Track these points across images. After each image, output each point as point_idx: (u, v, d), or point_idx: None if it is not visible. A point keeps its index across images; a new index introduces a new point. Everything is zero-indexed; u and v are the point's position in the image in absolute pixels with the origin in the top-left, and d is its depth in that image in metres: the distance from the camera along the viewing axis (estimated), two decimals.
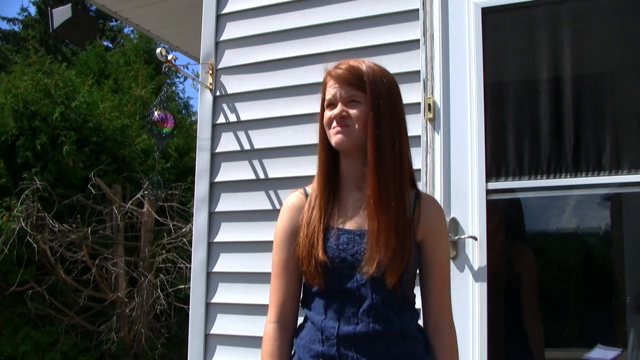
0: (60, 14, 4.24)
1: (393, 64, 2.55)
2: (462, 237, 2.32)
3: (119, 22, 11.39)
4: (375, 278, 1.36)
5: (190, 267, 2.96)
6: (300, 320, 1.50)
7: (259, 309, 2.72)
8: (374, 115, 1.40)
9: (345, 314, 1.38)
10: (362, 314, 1.36)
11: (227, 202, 2.89)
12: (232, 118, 2.92)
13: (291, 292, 1.48)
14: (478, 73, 2.38)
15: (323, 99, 1.48)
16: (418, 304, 1.49)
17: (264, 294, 2.74)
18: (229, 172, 2.91)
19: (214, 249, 2.88)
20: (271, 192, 2.80)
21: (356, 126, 1.41)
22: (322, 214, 1.43)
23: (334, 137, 1.43)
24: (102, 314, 5.73)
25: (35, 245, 5.23)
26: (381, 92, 1.41)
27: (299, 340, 1.45)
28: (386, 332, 1.36)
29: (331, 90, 1.45)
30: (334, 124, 1.43)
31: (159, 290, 5.55)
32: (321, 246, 1.39)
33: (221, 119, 2.94)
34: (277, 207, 2.77)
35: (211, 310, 2.84)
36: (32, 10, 14.11)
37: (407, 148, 1.46)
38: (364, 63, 1.45)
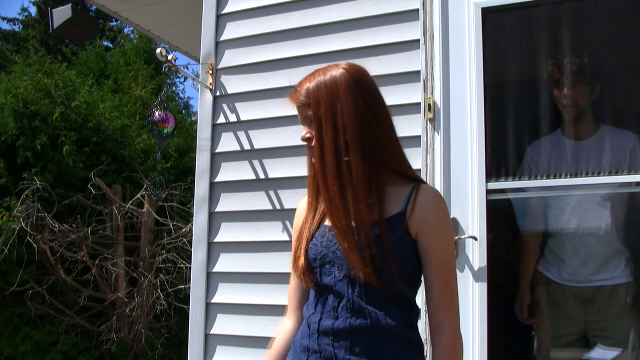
0: (60, 14, 4.24)
1: (393, 64, 2.56)
2: (462, 237, 2.32)
3: (119, 22, 11.39)
4: (354, 274, 1.36)
5: (190, 267, 2.96)
6: None
7: (259, 309, 2.72)
8: (316, 126, 1.42)
9: (326, 309, 1.40)
10: (342, 309, 1.38)
11: (227, 202, 2.89)
12: (232, 118, 2.92)
13: (298, 290, 1.56)
14: (478, 73, 2.38)
15: None
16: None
17: (264, 294, 2.75)
18: (229, 172, 2.91)
19: (214, 249, 2.88)
20: (271, 192, 2.80)
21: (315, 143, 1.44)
22: (310, 216, 1.48)
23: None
24: (102, 314, 5.73)
25: (35, 245, 5.24)
26: (319, 99, 1.41)
27: (296, 336, 1.49)
28: (365, 328, 1.35)
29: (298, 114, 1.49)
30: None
31: (159, 290, 5.55)
32: (304, 248, 1.44)
33: (221, 119, 2.94)
34: (277, 207, 2.77)
35: (211, 310, 2.84)
36: (32, 10, 14.12)
37: (372, 142, 1.40)
38: (313, 76, 1.45)
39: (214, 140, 2.94)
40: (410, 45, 2.56)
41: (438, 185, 2.38)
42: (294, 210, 1.61)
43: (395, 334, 1.37)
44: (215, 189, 2.93)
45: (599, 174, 2.33)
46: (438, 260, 1.40)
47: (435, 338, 1.40)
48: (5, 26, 15.39)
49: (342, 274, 1.38)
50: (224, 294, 2.83)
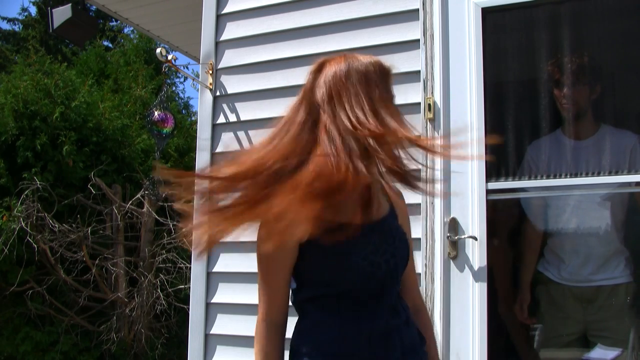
0: (60, 14, 4.24)
1: (393, 64, 2.55)
2: (462, 237, 2.32)
3: (119, 22, 11.39)
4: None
5: (190, 267, 2.96)
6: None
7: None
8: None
9: (378, 313, 1.33)
10: (384, 309, 1.34)
11: None
12: (232, 118, 2.92)
13: (285, 299, 1.40)
14: (478, 73, 2.38)
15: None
16: None
17: None
18: None
19: (213, 249, 2.88)
20: None
21: None
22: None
23: None
24: (102, 314, 5.73)
25: (35, 245, 5.23)
26: None
27: (318, 342, 1.33)
28: (403, 324, 1.37)
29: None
30: None
31: (159, 290, 5.55)
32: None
33: (221, 119, 2.94)
34: None
35: (211, 310, 2.83)
36: (33, 10, 14.11)
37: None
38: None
39: (214, 140, 2.94)
40: (410, 45, 2.55)
41: (438, 185, 2.38)
42: None
43: (413, 324, 1.42)
44: None
45: (599, 174, 2.34)
46: (410, 246, 1.48)
47: (416, 318, 1.46)
48: (5, 26, 15.41)
49: (395, 277, 1.37)
50: (224, 294, 2.82)
